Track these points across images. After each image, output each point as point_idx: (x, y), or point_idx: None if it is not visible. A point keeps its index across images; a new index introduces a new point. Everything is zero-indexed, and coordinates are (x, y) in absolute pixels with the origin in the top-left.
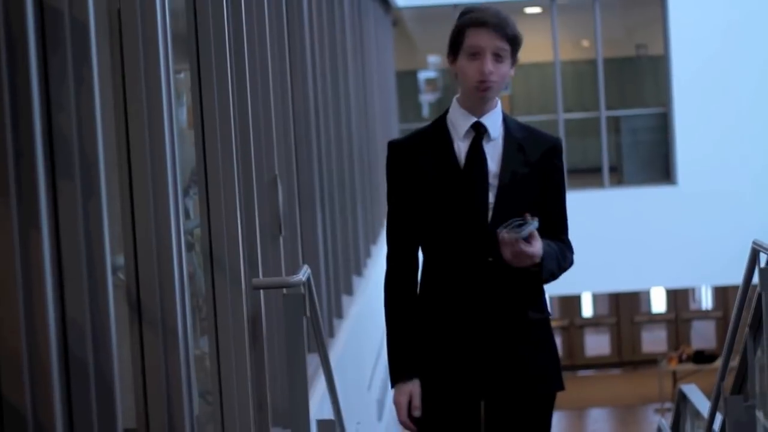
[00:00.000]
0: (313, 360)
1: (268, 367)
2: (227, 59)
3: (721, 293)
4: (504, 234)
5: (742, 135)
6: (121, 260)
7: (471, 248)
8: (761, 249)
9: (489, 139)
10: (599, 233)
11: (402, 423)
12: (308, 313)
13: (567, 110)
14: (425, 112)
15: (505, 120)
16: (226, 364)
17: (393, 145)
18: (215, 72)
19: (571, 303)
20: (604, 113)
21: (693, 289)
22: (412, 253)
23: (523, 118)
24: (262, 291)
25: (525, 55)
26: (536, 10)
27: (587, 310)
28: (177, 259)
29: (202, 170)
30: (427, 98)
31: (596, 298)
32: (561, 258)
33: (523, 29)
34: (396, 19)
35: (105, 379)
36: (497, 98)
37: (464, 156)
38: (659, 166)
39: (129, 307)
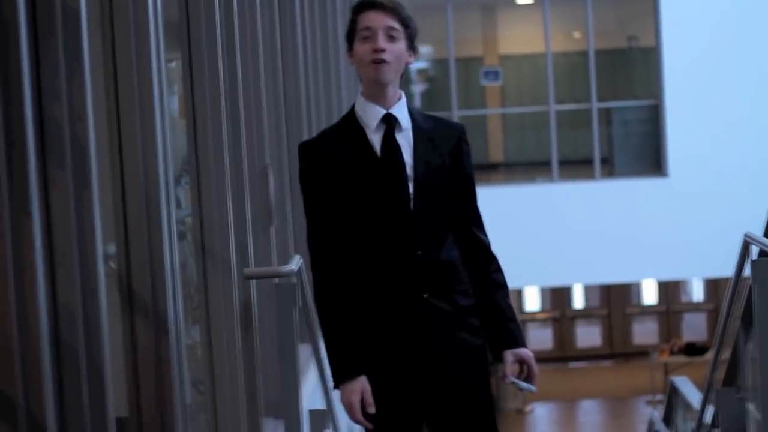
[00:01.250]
0: (304, 350)
1: (259, 356)
2: (219, 48)
3: (713, 285)
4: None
5: (733, 127)
6: (112, 249)
7: (398, 242)
8: (753, 241)
9: (400, 129)
10: (590, 225)
11: (358, 422)
12: (300, 303)
13: (558, 102)
14: (416, 102)
15: (411, 111)
16: (217, 354)
17: (305, 146)
18: (207, 61)
19: (563, 295)
20: (596, 105)
21: (684, 282)
22: (339, 253)
23: (514, 110)
24: (253, 281)
25: (517, 47)
26: (528, 1)
27: (578, 302)
28: (168, 248)
29: (193, 159)
30: (418, 89)
31: (587, 289)
32: (510, 310)
33: (514, 20)
34: None
35: (96, 368)
36: (400, 91)
37: (379, 148)
38: (650, 158)
39: (120, 296)
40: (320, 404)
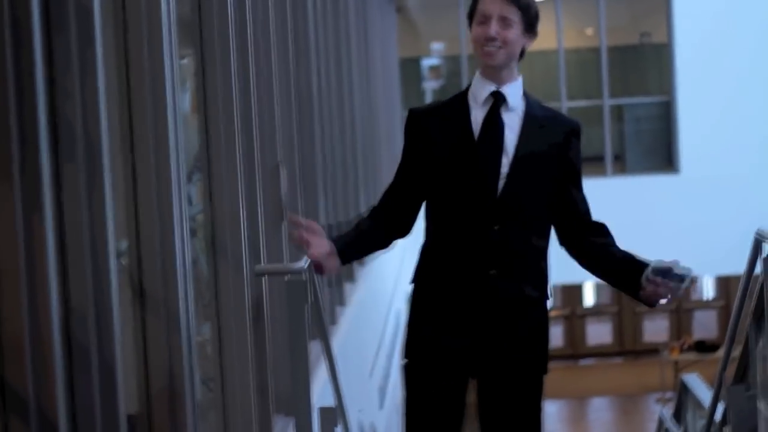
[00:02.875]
0: (315, 347)
1: (270, 353)
2: (231, 45)
3: (723, 283)
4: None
5: (745, 124)
6: (124, 245)
7: (478, 215)
8: (764, 239)
9: (507, 108)
10: (601, 221)
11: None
12: (310, 300)
13: (570, 98)
14: (428, 99)
15: (527, 96)
16: (228, 351)
17: (412, 112)
18: (219, 58)
19: (573, 292)
20: (608, 101)
21: (695, 279)
22: (400, 209)
23: None
24: (264, 277)
25: None
26: None
27: (589, 299)
28: (180, 245)
29: (205, 156)
30: (430, 85)
31: (598, 287)
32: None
33: None
34: (400, 6)
35: (107, 365)
36: (518, 73)
37: (480, 124)
38: (662, 155)
39: (132, 293)
40: (331, 401)
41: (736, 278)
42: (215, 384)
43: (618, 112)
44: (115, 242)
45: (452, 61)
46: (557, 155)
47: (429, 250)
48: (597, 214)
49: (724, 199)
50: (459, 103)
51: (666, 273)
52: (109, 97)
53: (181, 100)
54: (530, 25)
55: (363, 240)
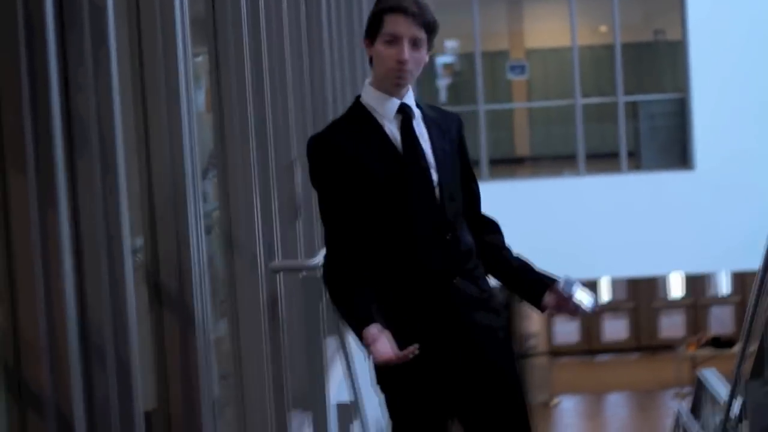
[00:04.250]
0: (331, 343)
1: (286, 350)
2: (245, 43)
3: (739, 278)
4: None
5: (760, 120)
6: (140, 242)
7: (429, 229)
8: None
9: (414, 119)
10: (617, 218)
11: (397, 358)
12: (326, 296)
13: (585, 95)
14: (442, 96)
15: (416, 100)
16: (244, 347)
17: (316, 140)
18: (233, 56)
19: (589, 288)
20: (622, 98)
21: (711, 274)
22: (354, 247)
23: (541, 104)
24: (280, 274)
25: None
26: None
27: (605, 295)
28: (195, 242)
29: (220, 153)
30: (444, 83)
31: (614, 283)
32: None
33: (541, 14)
34: None
35: (124, 362)
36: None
37: (398, 139)
38: (677, 152)
39: (148, 289)
40: (347, 397)
41: (752, 274)
42: (232, 380)
43: (633, 109)
44: (131, 239)
45: (466, 58)
46: (457, 150)
47: (385, 276)
48: (613, 211)
49: (740, 196)
50: (364, 119)
51: (571, 292)
52: (124, 94)
53: (195, 98)
54: (431, 41)
55: (374, 301)
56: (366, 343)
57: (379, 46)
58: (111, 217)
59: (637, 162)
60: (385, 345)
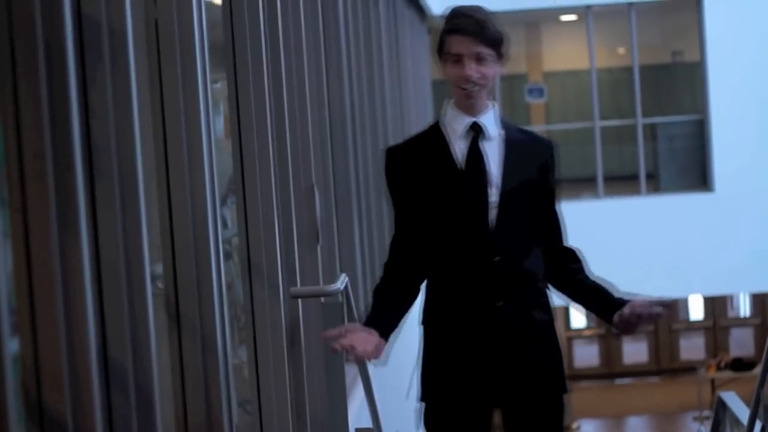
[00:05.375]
0: (351, 369)
1: (306, 375)
2: (264, 68)
3: (760, 300)
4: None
5: None
6: (159, 269)
7: (476, 248)
8: None
9: (486, 138)
10: (636, 241)
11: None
12: (346, 322)
13: (603, 118)
14: None
15: (504, 122)
16: (264, 373)
17: (390, 151)
18: (252, 81)
19: None
20: (641, 120)
21: (731, 297)
22: (410, 256)
23: (559, 126)
24: (300, 300)
25: (561, 63)
26: (572, 17)
27: None
28: (215, 268)
29: (239, 179)
30: None
31: None
32: (602, 280)
33: (558, 37)
34: (431, 27)
35: (144, 388)
36: (492, 100)
37: (463, 156)
38: (696, 173)
39: (168, 316)
40: (367, 423)
41: None
42: (252, 407)
43: (651, 131)
44: (151, 266)
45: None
46: (540, 178)
47: (433, 289)
48: (632, 233)
49: (759, 217)
50: (436, 136)
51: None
52: (143, 120)
53: (214, 124)
54: (501, 54)
55: (394, 310)
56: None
57: (446, 66)
58: (131, 243)
59: (656, 184)
60: (357, 339)
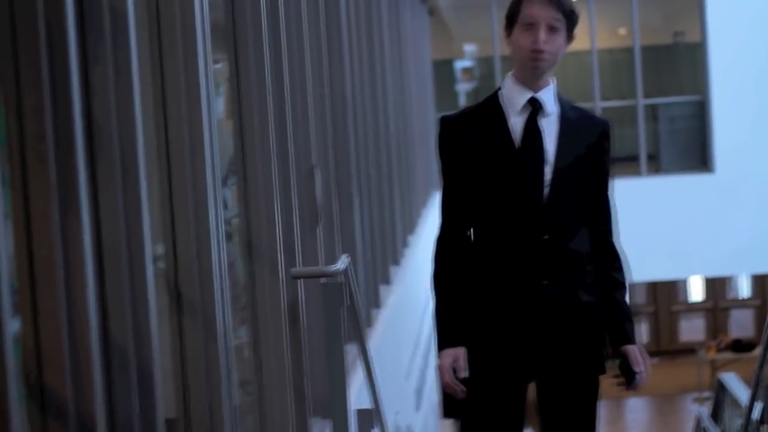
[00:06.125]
0: (351, 350)
1: (306, 357)
2: (265, 49)
3: (760, 281)
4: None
5: None
6: (160, 249)
7: (526, 225)
8: None
9: (544, 115)
10: (637, 222)
11: (446, 385)
12: (347, 303)
13: (604, 98)
14: (461, 101)
15: (560, 98)
16: (265, 354)
17: (445, 121)
18: (253, 62)
19: None
20: (642, 101)
21: (731, 278)
22: (463, 227)
23: None
24: (300, 280)
25: None
26: None
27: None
28: (216, 249)
29: (240, 160)
30: (463, 87)
31: (634, 287)
32: (628, 309)
33: None
34: (432, 8)
35: (145, 369)
36: (552, 76)
37: (520, 131)
38: (697, 154)
39: (168, 297)
40: (367, 404)
41: None
42: (252, 387)
43: (652, 111)
44: (152, 247)
45: (485, 62)
46: (592, 158)
47: (480, 261)
48: (632, 214)
49: (760, 199)
50: (493, 109)
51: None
52: (144, 101)
53: (215, 105)
54: (572, 31)
55: (466, 311)
56: (440, 363)
57: (517, 32)
58: (132, 224)
59: (656, 165)
60: (450, 376)
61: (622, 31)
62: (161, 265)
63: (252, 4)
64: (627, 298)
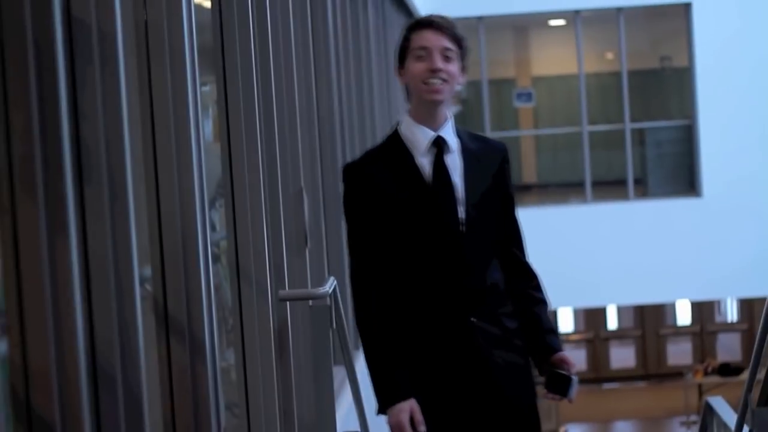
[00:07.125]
0: (339, 372)
1: (294, 379)
2: (253, 72)
3: (747, 305)
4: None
5: (766, 146)
6: (148, 271)
7: (446, 265)
8: None
9: (449, 151)
10: (624, 245)
11: None
12: (334, 325)
13: (591, 123)
14: None
15: (457, 130)
16: (252, 376)
17: (351, 167)
18: (241, 85)
19: (596, 315)
20: (629, 125)
21: (718, 302)
22: (383, 277)
23: (547, 131)
24: (288, 303)
25: (549, 68)
26: (560, 22)
27: (612, 323)
28: (204, 271)
29: (228, 182)
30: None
31: (621, 310)
32: (550, 323)
33: (547, 42)
34: None
35: (132, 391)
36: (448, 110)
37: (429, 171)
38: (684, 178)
39: (156, 319)
40: (354, 426)
41: (760, 300)
42: (240, 409)
43: (639, 136)
44: (140, 269)
45: (473, 86)
46: (497, 184)
47: (400, 305)
48: (620, 238)
49: (747, 223)
50: (398, 149)
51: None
52: (132, 123)
53: (203, 127)
54: (463, 62)
55: (405, 359)
56: (396, 420)
57: (410, 64)
58: (120, 246)
59: (644, 189)
60: (406, 427)
61: (610, 55)
62: (149, 287)
63: (240, 27)
64: (548, 315)
